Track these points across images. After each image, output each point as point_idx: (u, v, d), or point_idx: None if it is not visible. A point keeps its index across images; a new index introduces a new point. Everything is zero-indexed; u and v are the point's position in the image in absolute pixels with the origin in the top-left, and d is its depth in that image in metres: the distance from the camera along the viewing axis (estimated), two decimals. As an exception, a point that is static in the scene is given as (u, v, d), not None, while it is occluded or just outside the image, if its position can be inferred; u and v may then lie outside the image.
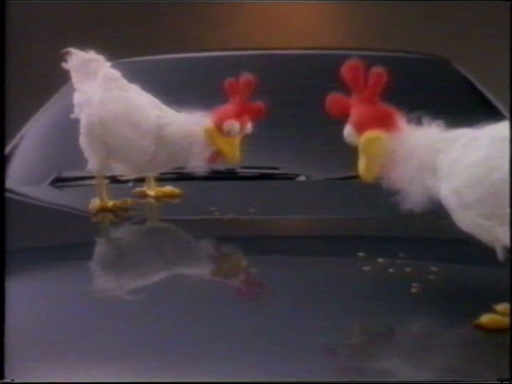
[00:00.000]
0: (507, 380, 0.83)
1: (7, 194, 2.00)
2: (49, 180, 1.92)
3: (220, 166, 1.68)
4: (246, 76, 1.45)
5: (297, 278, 1.11)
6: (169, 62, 2.57)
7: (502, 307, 0.91)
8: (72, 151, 1.94)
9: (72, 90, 2.27)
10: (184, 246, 1.38)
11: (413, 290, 1.00)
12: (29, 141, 2.28)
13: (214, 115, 1.46)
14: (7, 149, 2.27)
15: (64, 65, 1.59)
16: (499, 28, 5.28)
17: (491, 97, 2.41)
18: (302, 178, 1.79)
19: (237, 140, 1.45)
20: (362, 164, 1.05)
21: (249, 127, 1.46)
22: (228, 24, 5.86)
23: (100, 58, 1.57)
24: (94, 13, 5.74)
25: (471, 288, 1.06)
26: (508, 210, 0.87)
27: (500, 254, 0.91)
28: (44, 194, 1.93)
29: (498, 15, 5.27)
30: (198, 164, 1.48)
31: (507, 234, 0.88)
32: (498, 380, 0.83)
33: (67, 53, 1.58)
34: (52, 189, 1.92)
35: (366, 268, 1.08)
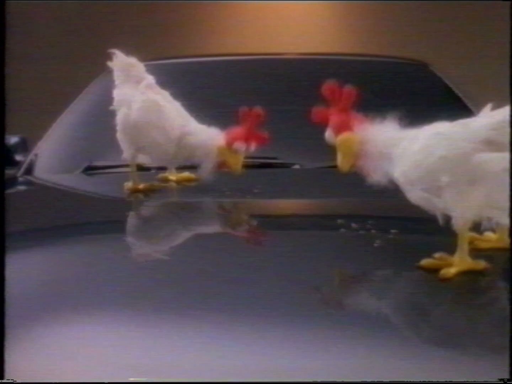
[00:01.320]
0: (507, 380, 0.90)
1: (40, 182, 2.32)
2: (81, 169, 2.21)
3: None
4: (258, 109, 1.77)
5: (290, 238, 1.46)
6: (186, 65, 2.82)
7: (438, 255, 1.24)
8: (101, 144, 2.27)
9: (98, 88, 2.58)
10: (200, 217, 1.71)
11: (376, 245, 1.33)
12: (60, 134, 2.53)
13: (227, 135, 1.78)
14: (40, 143, 2.56)
15: (109, 63, 1.89)
16: (475, 31, 5.51)
17: (465, 98, 2.60)
18: (296, 166, 2.11)
19: (241, 157, 1.79)
20: (339, 159, 1.38)
21: (252, 149, 1.78)
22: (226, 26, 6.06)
23: (141, 65, 1.88)
24: (93, 13, 5.89)
25: (418, 243, 1.40)
26: (442, 185, 1.20)
27: (440, 220, 1.23)
28: (78, 180, 2.21)
29: (477, 18, 5.52)
30: (208, 168, 1.81)
31: (443, 204, 1.22)
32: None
33: (112, 53, 1.88)
34: (84, 176, 2.21)
35: (342, 230, 1.41)
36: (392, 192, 1.32)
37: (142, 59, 2.45)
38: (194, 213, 1.74)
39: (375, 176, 1.32)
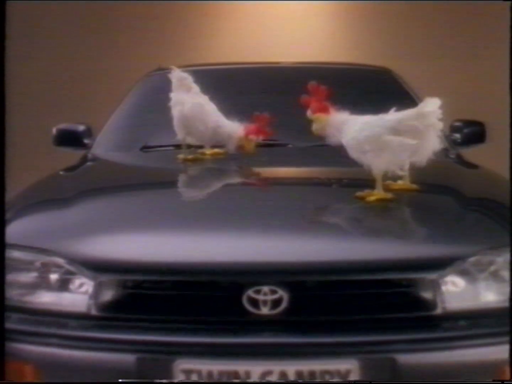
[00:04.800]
0: (507, 380, 0.97)
1: (106, 158, 3.13)
2: (139, 148, 3.05)
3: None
4: (265, 114, 2.73)
5: (283, 185, 2.50)
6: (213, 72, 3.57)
7: (366, 190, 2.18)
8: (153, 129, 3.12)
9: (145, 85, 3.42)
10: (227, 175, 2.71)
11: (333, 186, 2.35)
12: (119, 122, 3.31)
13: (245, 129, 2.74)
14: (103, 130, 3.32)
15: (168, 76, 2.86)
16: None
17: (418, 100, 3.15)
18: (290, 145, 3.03)
19: (253, 143, 2.75)
20: (313, 127, 2.31)
21: (261, 139, 2.75)
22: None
23: (190, 77, 2.85)
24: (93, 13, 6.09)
25: (356, 186, 2.34)
26: (365, 150, 2.17)
27: (366, 169, 2.18)
28: (137, 156, 3.04)
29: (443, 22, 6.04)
30: (230, 149, 2.77)
31: (367, 160, 2.16)
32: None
33: (171, 68, 2.87)
34: (141, 153, 3.05)
35: (316, 180, 2.41)
36: (347, 164, 2.28)
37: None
38: (223, 173, 2.74)
39: (333, 139, 2.27)
